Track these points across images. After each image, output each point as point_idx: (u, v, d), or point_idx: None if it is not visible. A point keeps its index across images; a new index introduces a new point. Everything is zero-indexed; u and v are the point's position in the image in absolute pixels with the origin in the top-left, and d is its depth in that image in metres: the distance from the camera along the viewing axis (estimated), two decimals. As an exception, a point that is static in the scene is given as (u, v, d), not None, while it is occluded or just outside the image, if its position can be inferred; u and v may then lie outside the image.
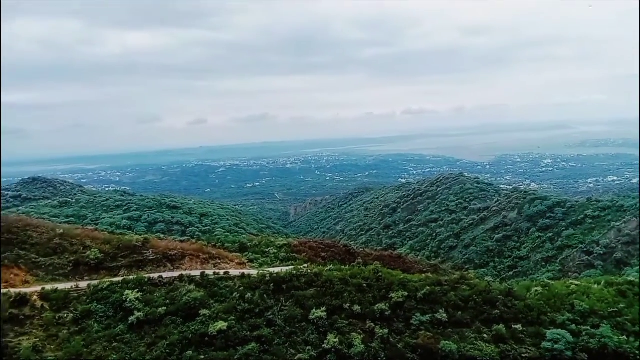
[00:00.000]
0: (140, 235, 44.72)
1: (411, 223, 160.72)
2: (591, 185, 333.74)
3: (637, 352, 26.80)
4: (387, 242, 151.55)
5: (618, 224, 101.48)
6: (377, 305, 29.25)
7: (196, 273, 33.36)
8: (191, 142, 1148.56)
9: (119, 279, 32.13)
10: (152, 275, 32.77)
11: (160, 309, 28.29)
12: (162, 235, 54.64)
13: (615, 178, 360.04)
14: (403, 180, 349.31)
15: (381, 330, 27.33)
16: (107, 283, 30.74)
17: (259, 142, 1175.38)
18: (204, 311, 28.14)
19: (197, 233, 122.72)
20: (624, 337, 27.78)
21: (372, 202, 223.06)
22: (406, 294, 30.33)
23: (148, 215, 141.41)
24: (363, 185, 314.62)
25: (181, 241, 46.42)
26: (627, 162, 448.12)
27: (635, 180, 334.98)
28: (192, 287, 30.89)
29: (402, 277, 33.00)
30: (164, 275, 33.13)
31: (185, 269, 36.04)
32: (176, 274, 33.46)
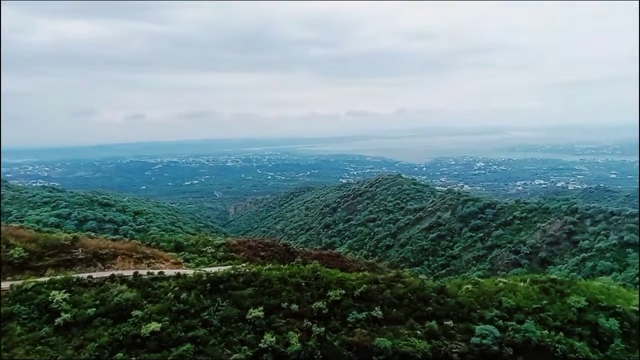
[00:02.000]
0: (69, 233, 42.58)
1: (350, 222, 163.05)
2: (520, 188, 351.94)
3: (557, 345, 28.49)
4: (326, 241, 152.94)
5: (543, 225, 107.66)
6: (314, 304, 29.42)
7: (129, 273, 32.19)
8: (128, 138, 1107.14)
9: (45, 279, 30.45)
10: (81, 275, 31.29)
11: (89, 310, 27.10)
12: (92, 234, 52.31)
13: (542, 182, 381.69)
14: (343, 181, 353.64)
15: (318, 329, 27.53)
16: (32, 283, 29.06)
17: (199, 138, 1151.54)
18: (136, 312, 27.22)
19: (130, 232, 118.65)
20: (546, 331, 29.43)
21: (312, 202, 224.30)
22: (343, 292, 30.69)
23: (78, 213, 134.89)
24: (304, 185, 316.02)
25: (113, 240, 44.66)
26: (553, 167, 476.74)
27: (560, 184, 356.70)
28: (124, 287, 29.78)
29: (340, 275, 33.37)
30: (94, 275, 31.74)
31: (117, 269, 34.71)
32: (107, 273, 32.14)
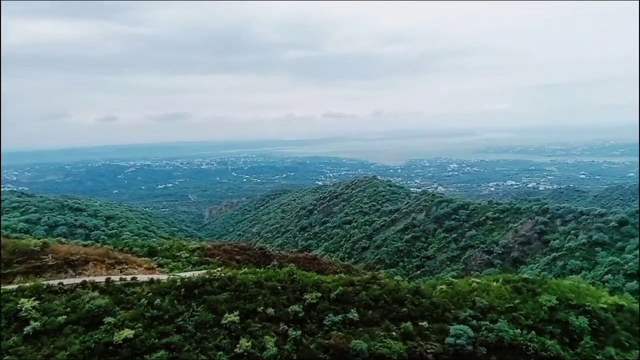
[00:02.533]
0: (39, 239, 41.49)
1: (326, 225, 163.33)
2: (492, 189, 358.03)
3: (529, 343, 29.03)
4: (302, 244, 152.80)
5: (515, 225, 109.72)
6: (291, 307, 29.34)
7: (101, 279, 31.54)
8: (100, 141, 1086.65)
9: (14, 286, 29.60)
10: (51, 282, 30.51)
11: (59, 318, 26.44)
12: (63, 239, 51.13)
13: (513, 182, 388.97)
14: (320, 183, 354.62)
15: (294, 332, 27.46)
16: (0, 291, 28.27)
17: (173, 141, 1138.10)
18: (108, 319, 26.67)
19: (102, 237, 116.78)
20: (518, 330, 29.97)
21: (289, 204, 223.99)
22: (320, 295, 30.68)
23: (48, 218, 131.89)
24: (280, 187, 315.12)
25: (85, 245, 43.71)
26: (524, 168, 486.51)
27: (531, 185, 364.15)
28: (95, 293, 29.17)
29: (316, 278, 33.36)
30: (65, 281, 30.98)
31: (89, 275, 33.97)
32: (78, 280, 31.43)
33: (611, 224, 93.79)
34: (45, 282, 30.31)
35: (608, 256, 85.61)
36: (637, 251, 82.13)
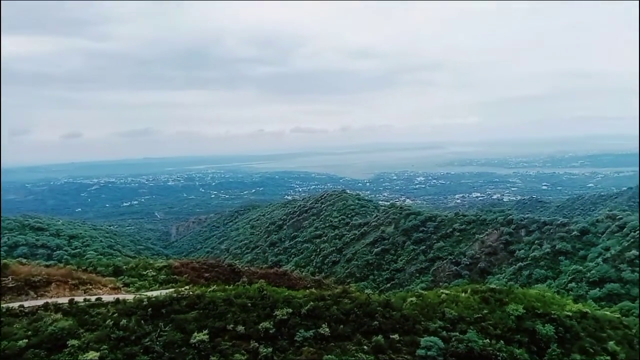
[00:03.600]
0: (-2, 260, 39.96)
1: (296, 239, 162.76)
2: (458, 201, 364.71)
3: (498, 352, 29.43)
4: (272, 260, 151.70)
5: (481, 236, 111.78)
6: (261, 324, 28.94)
7: (64, 300, 30.48)
8: (63, 158, 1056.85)
9: (-30, 311, 28.38)
10: (11, 305, 29.30)
11: (20, 342, 25.34)
12: (24, 260, 49.22)
13: (479, 194, 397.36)
14: (289, 197, 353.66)
15: (265, 349, 27.07)
16: (-45, 316, 27.00)
17: (139, 157, 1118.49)
18: (72, 341, 25.72)
19: (65, 257, 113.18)
20: (487, 340, 30.33)
21: (258, 220, 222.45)
22: (290, 310, 30.37)
23: (8, 238, 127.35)
24: (249, 203, 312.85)
25: (47, 266, 42.26)
26: (489, 180, 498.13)
27: (496, 196, 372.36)
28: (58, 315, 28.14)
29: (286, 294, 33.04)
30: (26, 304, 29.80)
31: (51, 297, 32.79)
32: (40, 302, 30.28)
33: (573, 233, 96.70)
34: (5, 305, 29.12)
35: (571, 265, 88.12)
36: (599, 259, 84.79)
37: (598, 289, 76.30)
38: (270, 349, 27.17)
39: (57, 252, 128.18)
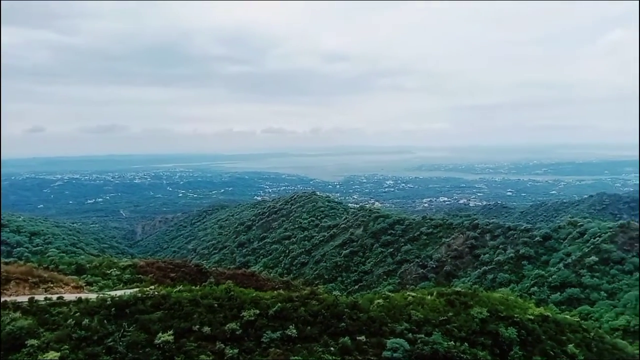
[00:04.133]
0: (-48, 257, 38.45)
1: (265, 240, 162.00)
2: (426, 205, 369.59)
3: (462, 355, 29.90)
4: (240, 260, 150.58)
5: (448, 240, 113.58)
6: (228, 325, 28.63)
7: (23, 299, 29.51)
8: (25, 153, 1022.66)
9: None
10: (-35, 304, 28.26)
11: (-25, 342, 24.45)
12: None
13: (445, 199, 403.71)
14: (259, 198, 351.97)
15: (231, 351, 26.79)
16: None
17: (104, 154, 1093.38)
18: (31, 341, 24.89)
19: (26, 254, 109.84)
20: (452, 342, 30.76)
21: (226, 220, 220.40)
22: (258, 312, 30.16)
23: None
24: (218, 203, 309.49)
25: (6, 263, 40.89)
26: (456, 185, 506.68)
27: (462, 201, 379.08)
28: (17, 314, 27.18)
29: (254, 295, 32.82)
30: (-19, 303, 28.80)
31: (10, 295, 31.72)
32: (-2, 301, 29.33)
33: (536, 238, 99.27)
34: (-42, 304, 27.97)
35: (534, 269, 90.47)
36: (560, 264, 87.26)
37: (559, 293, 78.64)
38: (236, 350, 26.91)
39: (18, 249, 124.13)
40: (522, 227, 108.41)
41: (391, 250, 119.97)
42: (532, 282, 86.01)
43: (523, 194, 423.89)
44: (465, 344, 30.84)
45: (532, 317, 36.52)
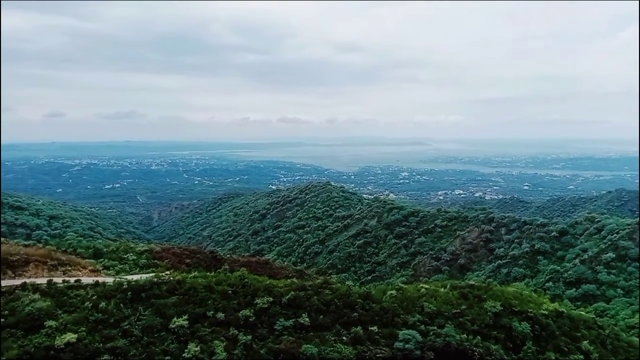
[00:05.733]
0: (-25, 238, 39.34)
1: (279, 229, 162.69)
2: (441, 197, 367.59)
3: (475, 348, 29.85)
4: (255, 248, 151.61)
5: (462, 233, 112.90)
6: (241, 312, 28.93)
7: (42, 281, 30.14)
8: (45, 137, 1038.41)
9: (-55, 288, 27.88)
10: (-13, 284, 28.96)
11: (-4, 322, 25.08)
12: (2, 239, 48.61)
13: (461, 191, 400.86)
14: (273, 187, 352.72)
15: (244, 337, 27.09)
16: None
17: (122, 140, 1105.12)
18: (50, 322, 25.45)
19: (45, 237, 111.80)
20: (465, 335, 30.70)
21: (241, 208, 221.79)
22: (271, 299, 30.41)
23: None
24: (233, 191, 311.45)
25: (25, 246, 41.70)
26: (471, 178, 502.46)
27: (478, 194, 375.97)
28: (36, 296, 27.79)
29: (268, 282, 33.08)
30: (4, 283, 29.36)
31: (29, 277, 32.39)
32: (18, 282, 29.90)
33: (552, 233, 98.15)
34: (-20, 284, 28.68)
35: (549, 264, 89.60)
36: (576, 260, 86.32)
37: (574, 289, 77.83)
38: (249, 337, 27.21)
39: (37, 232, 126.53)
40: (539, 222, 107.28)
41: (405, 242, 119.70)
42: (547, 277, 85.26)
43: (540, 189, 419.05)
44: (478, 337, 30.76)
45: (546, 312, 36.22)
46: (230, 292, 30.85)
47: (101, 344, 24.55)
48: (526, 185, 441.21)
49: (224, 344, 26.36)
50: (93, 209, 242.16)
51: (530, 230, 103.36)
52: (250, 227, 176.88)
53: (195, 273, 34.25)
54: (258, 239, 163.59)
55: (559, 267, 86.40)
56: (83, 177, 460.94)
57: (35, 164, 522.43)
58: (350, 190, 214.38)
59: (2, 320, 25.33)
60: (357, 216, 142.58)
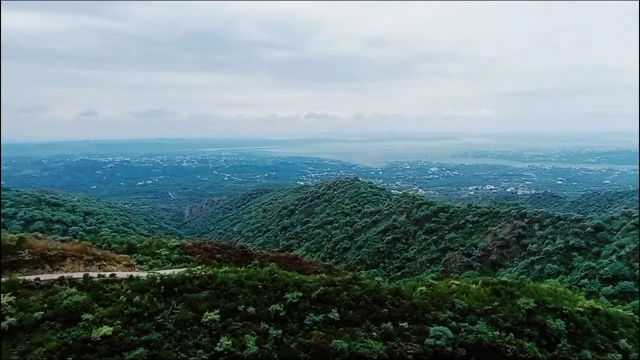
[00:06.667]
0: (15, 234, 40.65)
1: (308, 225, 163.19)
2: (472, 193, 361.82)
3: (508, 345, 29.36)
4: (284, 244, 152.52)
5: (494, 228, 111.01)
6: (272, 307, 29.18)
7: (78, 275, 30.98)
8: (79, 135, 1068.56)
9: (-12, 282, 28.96)
10: (27, 278, 29.83)
11: (36, 314, 25.85)
12: (40, 235, 50.15)
13: (492, 187, 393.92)
14: (301, 183, 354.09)
15: (275, 331, 27.32)
16: (-27, 287, 27.57)
17: (153, 137, 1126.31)
18: (86, 315, 26.17)
19: (80, 233, 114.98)
20: (497, 332, 30.23)
21: (270, 204, 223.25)
22: (301, 294, 30.57)
23: (25, 213, 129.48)
24: (262, 187, 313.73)
25: (62, 241, 42.94)
26: (503, 173, 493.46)
27: (510, 189, 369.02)
28: (73, 290, 28.61)
29: (297, 278, 33.24)
30: (42, 277, 30.32)
31: (66, 271, 33.34)
32: (56, 276, 30.82)
33: (587, 229, 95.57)
34: (21, 278, 29.65)
35: (584, 261, 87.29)
36: (613, 256, 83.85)
37: (611, 286, 75.62)
38: (280, 331, 27.42)
39: (73, 227, 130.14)
40: (573, 217, 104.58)
41: (435, 237, 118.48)
42: (582, 273, 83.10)
43: (574, 183, 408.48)
44: (511, 334, 30.26)
45: (581, 309, 35.36)
46: (260, 286, 31.13)
47: (136, 337, 25.12)
48: (560, 180, 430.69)
49: (255, 338, 26.63)
50: (126, 205, 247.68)
51: (565, 226, 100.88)
52: (279, 222, 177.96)
53: (226, 268, 34.67)
54: (287, 234, 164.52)
55: (594, 264, 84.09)
56: (116, 174, 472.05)
57: (71, 162, 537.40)
58: (379, 186, 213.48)
59: (42, 313, 26.16)
60: (385, 212, 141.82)
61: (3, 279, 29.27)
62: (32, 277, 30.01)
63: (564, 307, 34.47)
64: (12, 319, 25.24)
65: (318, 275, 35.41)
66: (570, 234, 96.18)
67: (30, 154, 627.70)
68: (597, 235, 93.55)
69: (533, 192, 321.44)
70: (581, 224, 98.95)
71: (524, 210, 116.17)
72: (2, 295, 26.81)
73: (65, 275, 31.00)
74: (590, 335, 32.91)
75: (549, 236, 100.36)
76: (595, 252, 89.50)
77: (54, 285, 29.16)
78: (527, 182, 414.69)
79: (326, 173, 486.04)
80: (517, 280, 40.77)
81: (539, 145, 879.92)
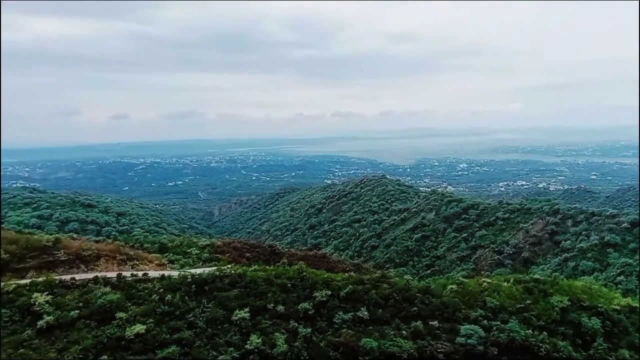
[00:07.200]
0: (51, 234, 41.91)
1: (336, 223, 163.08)
2: (502, 189, 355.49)
3: (541, 344, 28.75)
4: (312, 242, 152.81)
5: (526, 225, 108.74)
6: (300, 305, 29.31)
7: (112, 275, 31.78)
8: (110, 138, 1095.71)
9: (27, 281, 29.89)
10: (63, 277, 30.76)
11: (72, 313, 26.65)
12: (75, 235, 51.59)
13: (524, 182, 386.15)
14: (329, 181, 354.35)
15: (304, 330, 27.44)
16: (13, 285, 28.49)
17: (182, 139, 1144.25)
18: (120, 314, 26.86)
19: (113, 233, 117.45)
20: (530, 331, 29.67)
21: (298, 203, 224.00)
22: (329, 293, 30.62)
23: (60, 214, 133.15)
24: (289, 186, 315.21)
25: (96, 241, 44.07)
26: (534, 168, 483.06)
27: (542, 185, 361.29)
28: (107, 289, 29.37)
29: (326, 276, 33.29)
30: (77, 277, 31.23)
31: (101, 271, 34.24)
32: (90, 275, 31.69)
33: (623, 225, 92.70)
34: (57, 277, 30.57)
35: (620, 257, 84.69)
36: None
37: (649, 283, 73.27)
38: (309, 329, 27.53)
39: (106, 228, 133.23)
40: (608, 213, 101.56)
41: (465, 235, 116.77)
42: (618, 271, 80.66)
43: (609, 178, 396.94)
44: (544, 333, 29.66)
45: (618, 307, 34.39)
46: (289, 285, 31.31)
47: (168, 335, 25.63)
48: (594, 175, 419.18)
49: (285, 336, 26.82)
50: (157, 206, 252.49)
51: (599, 222, 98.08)
52: (307, 221, 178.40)
53: (255, 267, 34.97)
54: (315, 233, 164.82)
55: (631, 260, 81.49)
56: (147, 176, 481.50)
57: (103, 164, 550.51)
58: (406, 184, 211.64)
59: (78, 311, 26.89)
60: (414, 209, 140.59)
61: (40, 279, 30.24)
62: (67, 277, 30.90)
63: (600, 305, 33.60)
64: (50, 317, 26.06)
65: (346, 274, 35.38)
66: (605, 230, 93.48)
67: (64, 157, 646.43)
68: (634, 231, 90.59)
69: (566, 187, 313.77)
70: (617, 219, 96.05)
71: (557, 206, 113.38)
72: (40, 294, 27.72)
73: (99, 274, 31.82)
74: (627, 334, 32.00)
75: (583, 232, 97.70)
76: (632, 248, 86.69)
77: (89, 284, 29.97)
78: (559, 178, 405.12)
79: (353, 171, 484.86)
80: (550, 278, 39.99)
81: (572, 139, 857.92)
